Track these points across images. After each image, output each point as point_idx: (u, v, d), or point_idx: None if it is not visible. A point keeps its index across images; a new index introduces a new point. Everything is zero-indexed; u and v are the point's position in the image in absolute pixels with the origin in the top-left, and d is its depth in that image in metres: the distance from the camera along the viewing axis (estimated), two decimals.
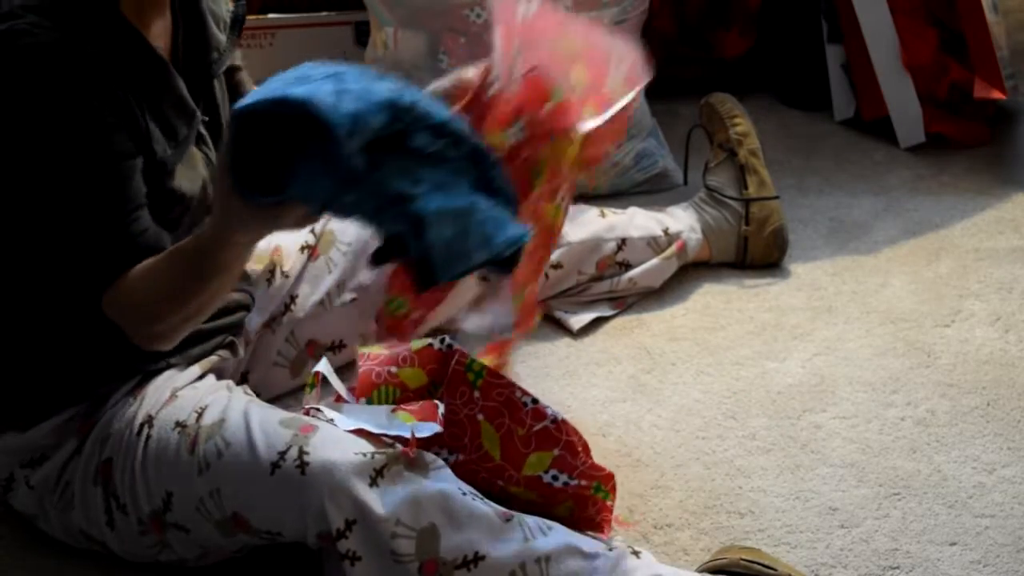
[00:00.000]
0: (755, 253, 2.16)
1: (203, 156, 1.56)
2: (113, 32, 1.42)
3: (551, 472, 1.52)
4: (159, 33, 1.50)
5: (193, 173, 1.53)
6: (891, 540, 1.60)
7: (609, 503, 1.55)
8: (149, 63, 1.46)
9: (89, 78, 1.37)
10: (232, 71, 1.70)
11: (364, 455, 1.38)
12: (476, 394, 1.52)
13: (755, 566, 1.48)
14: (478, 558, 1.36)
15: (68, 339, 1.49)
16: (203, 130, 1.57)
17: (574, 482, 1.53)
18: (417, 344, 1.61)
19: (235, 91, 1.69)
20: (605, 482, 1.54)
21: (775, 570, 1.47)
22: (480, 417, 1.51)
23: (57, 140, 1.37)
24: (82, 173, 1.38)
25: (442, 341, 1.59)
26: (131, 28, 1.44)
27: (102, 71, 1.38)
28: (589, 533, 1.49)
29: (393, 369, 1.60)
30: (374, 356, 1.61)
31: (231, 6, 1.65)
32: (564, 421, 1.52)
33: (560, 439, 1.53)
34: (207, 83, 1.58)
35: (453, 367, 1.51)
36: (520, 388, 1.55)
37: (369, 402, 1.61)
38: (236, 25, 1.63)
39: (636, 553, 1.45)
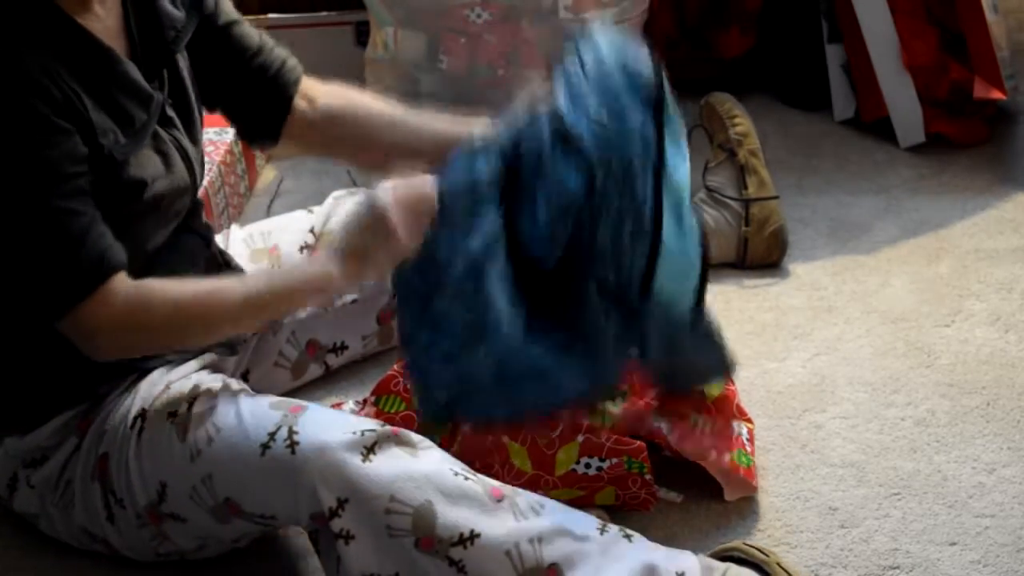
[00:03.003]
0: (755, 253, 2.15)
1: (171, 139, 1.49)
2: (48, 24, 1.35)
3: (582, 461, 1.58)
4: (104, 17, 1.43)
5: (162, 158, 1.47)
6: (891, 540, 1.60)
7: (647, 477, 1.59)
8: (90, 52, 1.38)
9: (31, 81, 1.30)
10: (228, 27, 1.59)
11: (354, 433, 1.38)
12: None
13: (754, 550, 1.49)
14: (473, 536, 1.36)
15: (64, 342, 1.48)
16: (170, 112, 1.50)
17: (606, 463, 1.57)
18: None
19: (239, 45, 1.60)
20: (635, 455, 1.57)
21: (766, 556, 1.48)
22: (505, 439, 1.56)
23: (7, 152, 1.30)
24: (34, 188, 1.31)
25: None
26: (65, 17, 1.37)
27: (44, 69, 1.31)
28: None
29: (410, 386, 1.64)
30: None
31: None
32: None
33: (581, 425, 1.57)
34: (167, 63, 1.51)
35: None
36: None
37: (377, 401, 1.64)
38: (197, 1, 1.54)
39: (628, 537, 1.44)
